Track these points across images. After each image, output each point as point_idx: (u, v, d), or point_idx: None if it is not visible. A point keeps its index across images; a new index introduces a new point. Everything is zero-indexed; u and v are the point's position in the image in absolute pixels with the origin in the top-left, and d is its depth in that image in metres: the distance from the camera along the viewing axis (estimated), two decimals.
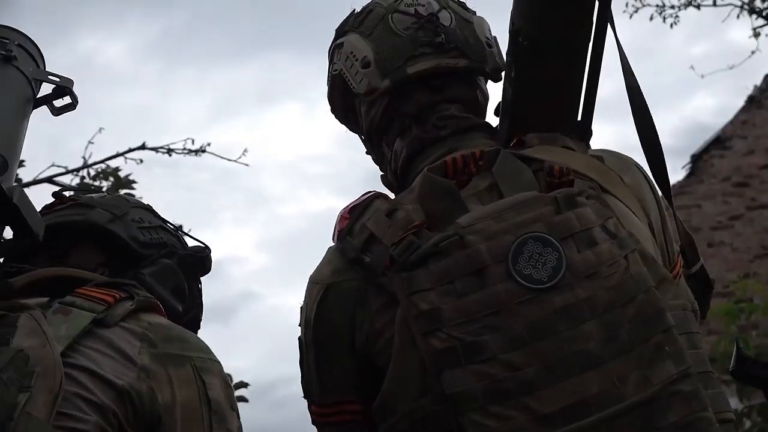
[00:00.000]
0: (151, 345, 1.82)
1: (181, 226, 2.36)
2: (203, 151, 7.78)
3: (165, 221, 2.29)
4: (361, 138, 2.15)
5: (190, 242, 2.35)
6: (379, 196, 1.84)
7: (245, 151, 7.88)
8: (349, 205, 1.85)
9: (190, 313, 2.26)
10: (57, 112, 2.00)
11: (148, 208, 2.28)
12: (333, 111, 2.18)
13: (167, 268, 2.17)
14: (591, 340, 1.60)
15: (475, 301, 1.62)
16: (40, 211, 1.86)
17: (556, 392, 1.57)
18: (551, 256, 1.64)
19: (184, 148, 7.73)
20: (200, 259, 2.27)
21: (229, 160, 7.82)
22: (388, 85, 1.98)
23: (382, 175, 2.10)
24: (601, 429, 1.55)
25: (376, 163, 2.12)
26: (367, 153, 2.15)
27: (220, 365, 1.92)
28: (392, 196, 2.01)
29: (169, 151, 7.69)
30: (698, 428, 1.57)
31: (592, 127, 1.98)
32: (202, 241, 2.33)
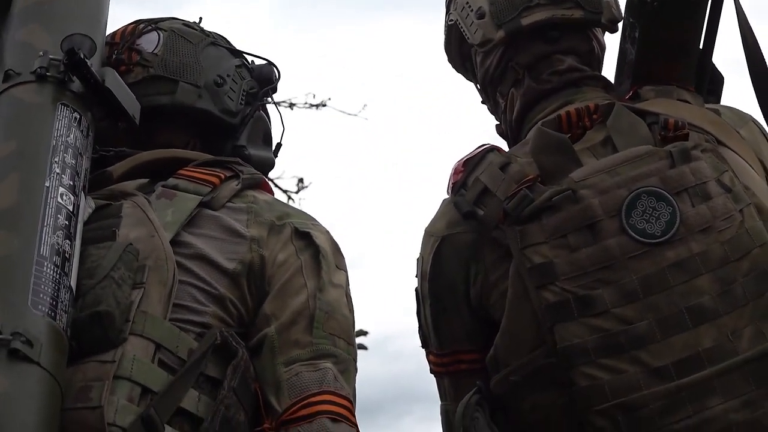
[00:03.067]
0: (257, 215, 1.73)
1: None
2: (324, 105, 7.83)
3: (233, 51, 2.07)
4: (476, 87, 2.16)
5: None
6: (493, 149, 1.86)
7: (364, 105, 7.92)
8: (464, 157, 1.87)
9: (277, 150, 2.14)
10: None
11: (216, 41, 2.04)
12: (450, 61, 2.19)
13: (257, 122, 2.05)
14: (705, 294, 1.60)
15: (587, 255, 1.64)
16: None
17: (668, 346, 1.58)
18: (665, 211, 1.64)
19: (306, 102, 7.80)
20: (274, 88, 2.10)
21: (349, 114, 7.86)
22: (502, 36, 1.98)
23: (497, 125, 2.11)
24: (714, 383, 1.56)
25: (491, 113, 2.13)
26: (482, 103, 2.16)
27: (326, 229, 1.80)
28: (506, 147, 2.03)
29: (291, 105, 7.78)
30: None
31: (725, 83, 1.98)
32: (266, 58, 2.13)
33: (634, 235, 1.63)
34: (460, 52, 2.13)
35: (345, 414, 1.60)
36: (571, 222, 1.66)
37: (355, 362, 1.69)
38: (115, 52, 1.91)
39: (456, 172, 1.86)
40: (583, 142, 1.81)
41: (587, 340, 1.60)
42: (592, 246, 1.64)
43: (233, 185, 1.77)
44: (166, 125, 1.94)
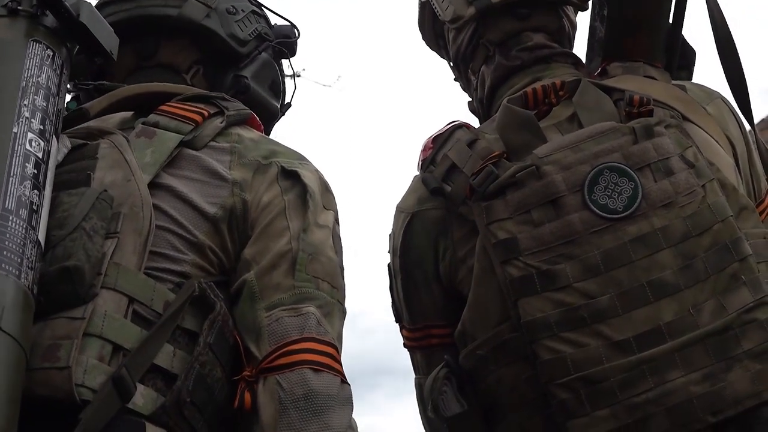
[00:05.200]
0: (240, 156, 1.66)
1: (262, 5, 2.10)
2: (298, 76, 7.81)
3: (253, 2, 2.05)
4: (449, 65, 2.17)
5: (274, 18, 2.13)
6: (461, 125, 1.87)
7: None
8: (433, 134, 1.89)
9: (285, 108, 2.10)
10: None
11: None
12: (424, 38, 2.21)
13: (266, 64, 2.00)
14: (666, 268, 1.62)
15: (550, 230, 1.65)
16: None
17: (630, 320, 1.60)
18: (627, 186, 1.66)
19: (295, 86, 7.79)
20: (290, 45, 2.07)
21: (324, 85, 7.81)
22: (473, 13, 2.00)
23: (468, 102, 2.13)
24: (674, 356, 1.58)
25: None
26: (455, 80, 2.18)
27: (316, 169, 1.73)
28: (478, 123, 2.05)
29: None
30: None
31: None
32: (288, 19, 2.11)
33: (596, 210, 1.65)
34: (434, 29, 2.14)
35: (327, 362, 1.53)
36: (535, 197, 1.68)
37: (342, 304, 1.62)
38: None
39: (425, 148, 1.88)
40: (550, 119, 1.83)
41: (550, 315, 1.62)
42: (555, 221, 1.66)
43: (217, 123, 1.69)
44: (170, 41, 1.89)
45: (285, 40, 2.05)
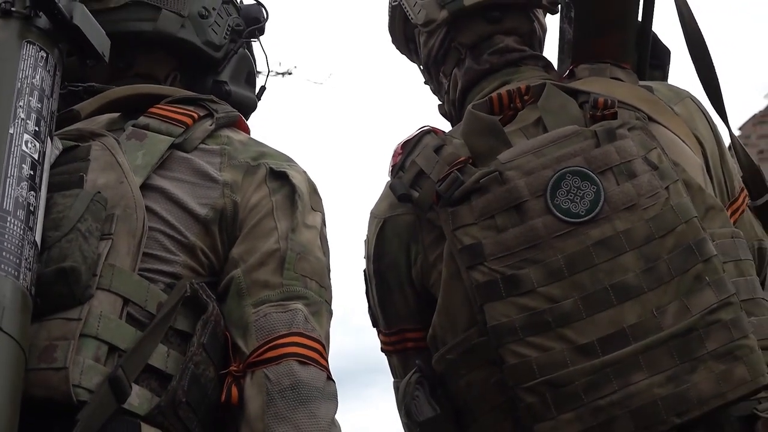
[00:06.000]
0: (230, 158, 1.68)
1: None
2: (290, 74, 7.77)
3: None
4: (419, 68, 2.18)
5: None
6: (430, 131, 1.88)
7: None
8: (403, 140, 1.90)
9: (260, 94, 2.08)
10: None
11: None
12: (394, 42, 2.22)
13: (240, 60, 2.00)
14: (629, 271, 1.62)
15: (514, 235, 1.66)
16: (89, 7, 1.65)
17: (593, 323, 1.61)
18: (589, 190, 1.67)
19: (271, 70, 7.75)
20: (261, 28, 2.06)
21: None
22: (445, 16, 2.00)
23: (439, 105, 2.14)
24: (638, 358, 1.59)
25: (434, 93, 2.16)
26: (425, 83, 2.18)
27: (304, 170, 1.75)
28: (450, 127, 2.06)
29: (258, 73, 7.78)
30: (737, 356, 1.59)
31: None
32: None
33: (558, 214, 1.66)
34: (404, 32, 2.15)
35: (314, 357, 1.55)
36: (498, 203, 1.69)
37: (329, 304, 1.64)
38: None
39: (395, 154, 1.89)
40: (516, 123, 1.83)
41: (515, 319, 1.63)
42: (519, 226, 1.67)
43: (207, 125, 1.71)
44: (147, 54, 1.89)
45: (256, 26, 2.04)
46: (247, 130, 1.83)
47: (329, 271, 1.69)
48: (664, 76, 2.07)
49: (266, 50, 2.12)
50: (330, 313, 1.65)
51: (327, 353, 1.59)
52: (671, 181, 1.68)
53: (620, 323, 1.61)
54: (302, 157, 1.76)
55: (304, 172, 1.74)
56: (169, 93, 1.77)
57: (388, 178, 1.92)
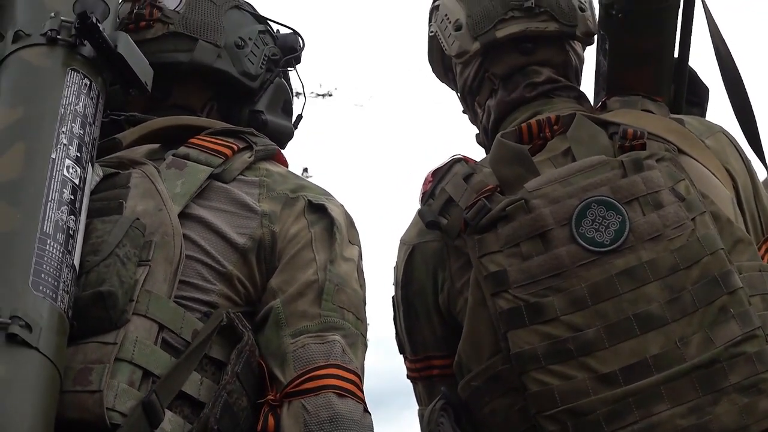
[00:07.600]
0: (269, 189, 1.70)
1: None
2: (330, 95, 7.81)
3: (258, 17, 2.06)
4: (458, 96, 2.21)
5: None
6: (460, 159, 1.90)
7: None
8: (434, 168, 1.92)
9: (297, 122, 2.12)
10: None
11: (240, 5, 2.03)
12: (433, 71, 2.24)
13: (277, 89, 2.03)
14: (653, 301, 1.62)
15: (538, 264, 1.67)
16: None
17: (616, 353, 1.61)
18: (614, 219, 1.67)
19: (312, 92, 7.77)
20: (298, 57, 2.09)
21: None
22: (478, 48, 2.03)
23: (476, 135, 2.16)
24: (660, 389, 1.59)
25: (472, 122, 2.18)
26: (463, 112, 2.20)
27: (341, 204, 1.77)
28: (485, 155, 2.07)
29: (297, 94, 7.82)
30: (762, 389, 1.58)
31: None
32: (291, 27, 2.12)
33: (583, 243, 1.67)
34: (442, 62, 2.18)
35: (352, 389, 1.56)
36: (524, 231, 1.69)
37: (365, 337, 1.65)
38: (136, 7, 1.90)
39: (426, 182, 1.91)
40: (545, 153, 1.84)
41: (538, 347, 1.64)
42: (543, 254, 1.67)
43: (246, 157, 1.73)
44: (184, 85, 1.93)
45: (292, 55, 2.07)
46: (285, 163, 1.86)
47: (365, 304, 1.71)
48: (702, 114, 2.07)
49: (306, 73, 2.15)
50: (365, 346, 1.66)
51: (362, 385, 1.61)
52: (698, 213, 1.68)
53: (643, 353, 1.60)
54: (340, 179, 1.79)
55: (342, 206, 1.76)
56: (209, 125, 1.80)
57: (419, 206, 1.94)
